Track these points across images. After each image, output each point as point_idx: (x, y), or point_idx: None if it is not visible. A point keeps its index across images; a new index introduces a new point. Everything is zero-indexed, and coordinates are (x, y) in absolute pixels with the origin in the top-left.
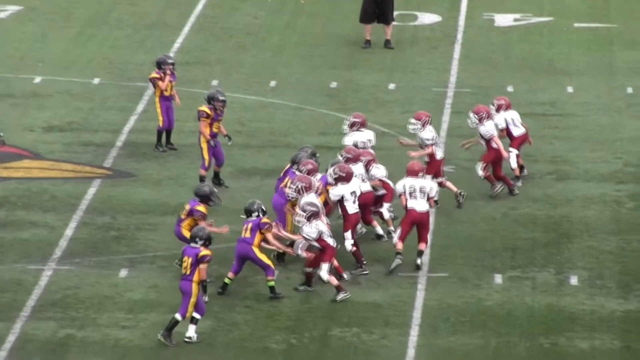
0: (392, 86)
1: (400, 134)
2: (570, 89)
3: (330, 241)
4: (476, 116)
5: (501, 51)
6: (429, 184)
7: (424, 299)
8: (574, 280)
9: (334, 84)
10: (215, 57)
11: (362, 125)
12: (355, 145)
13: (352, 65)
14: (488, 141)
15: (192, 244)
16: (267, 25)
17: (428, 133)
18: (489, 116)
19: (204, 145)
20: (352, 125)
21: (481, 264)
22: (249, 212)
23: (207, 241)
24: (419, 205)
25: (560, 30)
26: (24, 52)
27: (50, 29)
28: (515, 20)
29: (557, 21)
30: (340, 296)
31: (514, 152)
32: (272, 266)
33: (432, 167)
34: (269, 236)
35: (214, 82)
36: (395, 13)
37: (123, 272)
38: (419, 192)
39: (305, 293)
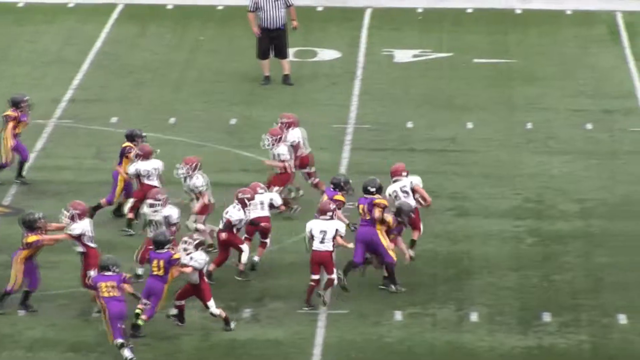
0: None
1: (298, 171)
2: (470, 125)
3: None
4: (271, 138)
5: (401, 87)
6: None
7: (324, 336)
8: (474, 317)
9: (233, 121)
10: (114, 94)
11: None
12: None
13: (251, 101)
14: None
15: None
16: (166, 62)
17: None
18: (281, 139)
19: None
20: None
21: (382, 300)
22: (160, 244)
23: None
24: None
25: (459, 65)
26: None
27: None
28: (415, 56)
29: (457, 57)
30: (233, 325)
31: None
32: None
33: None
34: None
35: (113, 120)
36: (295, 49)
37: (22, 310)
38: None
39: (205, 330)
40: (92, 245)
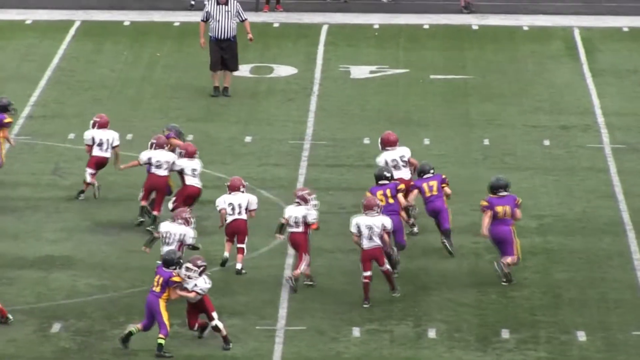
0: (248, 139)
1: (258, 187)
2: (427, 141)
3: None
4: None
5: (357, 103)
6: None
7: (282, 352)
8: (432, 333)
9: (190, 137)
10: (72, 110)
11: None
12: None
13: (208, 117)
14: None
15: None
16: (123, 78)
17: None
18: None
19: None
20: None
21: (339, 317)
22: (169, 263)
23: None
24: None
25: (416, 82)
26: None
27: None
28: (372, 72)
29: (413, 73)
30: (230, 345)
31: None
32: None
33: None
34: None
35: (71, 136)
36: (251, 65)
37: None
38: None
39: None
40: None
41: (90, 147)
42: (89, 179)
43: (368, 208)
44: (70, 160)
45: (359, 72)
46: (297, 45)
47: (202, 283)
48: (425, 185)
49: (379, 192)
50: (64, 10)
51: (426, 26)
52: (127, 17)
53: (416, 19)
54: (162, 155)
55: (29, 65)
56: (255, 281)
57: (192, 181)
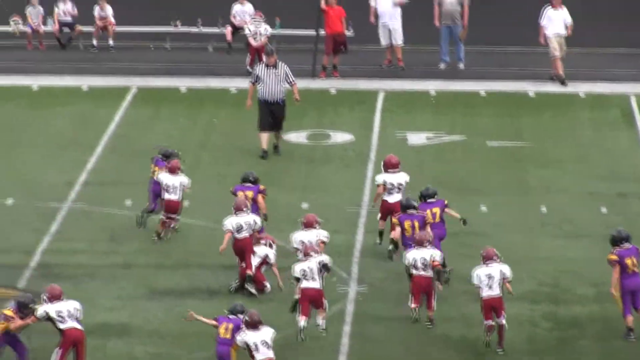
0: (305, 205)
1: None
2: (483, 208)
3: None
4: None
5: (414, 170)
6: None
7: None
8: None
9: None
10: (129, 177)
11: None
12: None
13: (265, 183)
14: None
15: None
16: (180, 144)
17: None
18: None
19: None
20: None
21: None
22: (233, 312)
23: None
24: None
25: (473, 148)
26: None
27: None
28: (428, 138)
29: (470, 139)
30: None
31: None
32: None
33: None
34: None
35: (127, 202)
36: (308, 131)
37: None
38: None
39: None
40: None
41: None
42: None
43: (488, 259)
44: (127, 228)
45: (416, 138)
46: (354, 112)
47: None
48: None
49: (407, 223)
50: (121, 77)
51: (482, 93)
52: (183, 83)
53: (473, 86)
54: (244, 219)
55: (86, 131)
56: (314, 349)
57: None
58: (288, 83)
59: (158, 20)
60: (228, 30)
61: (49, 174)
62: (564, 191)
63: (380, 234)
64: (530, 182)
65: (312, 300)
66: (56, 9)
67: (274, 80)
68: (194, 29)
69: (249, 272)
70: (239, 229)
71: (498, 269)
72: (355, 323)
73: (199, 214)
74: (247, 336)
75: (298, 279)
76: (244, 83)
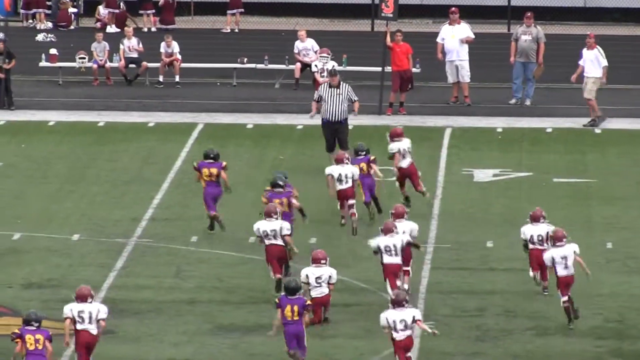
0: (370, 241)
1: (378, 289)
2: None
3: None
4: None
5: (480, 206)
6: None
7: None
8: None
9: (313, 239)
10: (194, 213)
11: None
12: None
13: (330, 220)
14: None
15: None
16: (246, 181)
17: None
18: None
19: None
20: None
21: None
22: (293, 291)
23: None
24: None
25: (539, 185)
26: (3, 208)
27: (28, 185)
28: (495, 175)
29: (536, 176)
30: None
31: None
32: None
33: None
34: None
35: (193, 239)
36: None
37: None
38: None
39: None
40: None
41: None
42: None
43: (558, 239)
44: (192, 263)
45: (482, 175)
46: (420, 148)
47: None
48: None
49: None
50: (187, 113)
51: (549, 129)
52: (249, 119)
53: (539, 122)
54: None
55: (151, 167)
56: None
57: None
58: (350, 101)
59: (224, 56)
60: (297, 66)
61: (115, 210)
62: (629, 228)
63: (407, 199)
64: (595, 218)
65: (396, 274)
66: (122, 45)
67: (337, 100)
68: (260, 65)
69: (278, 276)
70: (266, 236)
71: (571, 249)
72: (420, 359)
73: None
74: (387, 314)
75: (376, 252)
76: (309, 120)
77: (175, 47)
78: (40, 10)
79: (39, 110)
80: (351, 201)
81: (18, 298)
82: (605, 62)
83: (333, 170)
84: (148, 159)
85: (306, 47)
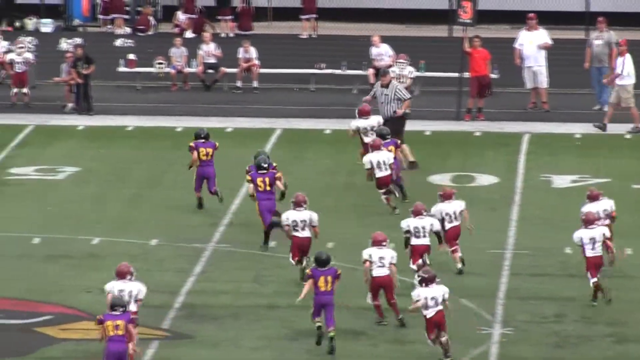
0: (448, 248)
1: (457, 295)
2: (629, 251)
3: None
4: None
5: (559, 212)
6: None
7: None
8: None
9: (392, 244)
10: None
11: None
12: None
13: None
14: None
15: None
16: (323, 187)
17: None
18: None
19: None
20: None
21: None
22: (324, 263)
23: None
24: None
25: (618, 191)
26: (82, 213)
27: (107, 190)
28: (573, 181)
29: (615, 182)
30: None
31: None
32: None
33: None
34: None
35: (272, 244)
36: (453, 174)
37: None
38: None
39: None
40: None
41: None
42: None
43: (589, 222)
44: (270, 268)
45: (561, 181)
46: (498, 154)
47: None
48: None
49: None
50: (265, 118)
51: (628, 135)
52: (327, 125)
53: (617, 128)
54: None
55: (229, 172)
56: None
57: None
58: (400, 100)
59: (302, 62)
60: (370, 72)
61: (193, 215)
62: None
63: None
64: None
65: (422, 255)
66: (200, 51)
67: (384, 100)
68: (338, 71)
69: (296, 261)
70: (295, 226)
71: (601, 231)
72: None
73: (340, 255)
74: (421, 292)
75: (408, 233)
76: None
77: (253, 52)
78: (119, 15)
79: (117, 116)
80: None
81: (96, 303)
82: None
83: (372, 158)
84: (226, 165)
85: (380, 52)
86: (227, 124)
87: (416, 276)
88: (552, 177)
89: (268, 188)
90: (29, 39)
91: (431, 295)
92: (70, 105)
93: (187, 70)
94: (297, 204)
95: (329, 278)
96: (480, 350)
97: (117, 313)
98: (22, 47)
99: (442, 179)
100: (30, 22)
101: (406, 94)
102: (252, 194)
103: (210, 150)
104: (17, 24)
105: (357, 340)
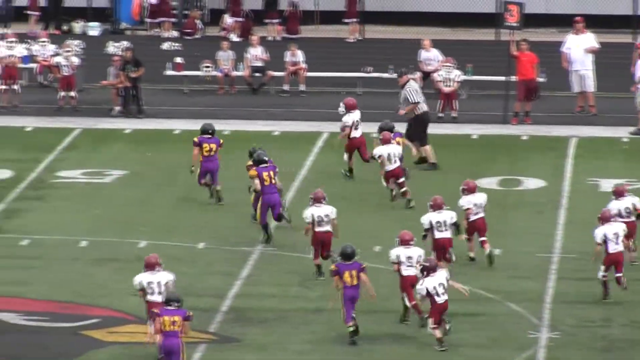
0: (497, 251)
1: (506, 299)
2: None
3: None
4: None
5: None
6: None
7: None
8: None
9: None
10: None
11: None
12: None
13: None
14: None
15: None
16: (370, 189)
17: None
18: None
19: None
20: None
21: None
22: (350, 257)
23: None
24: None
25: None
26: (129, 216)
27: (154, 193)
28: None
29: None
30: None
31: None
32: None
33: None
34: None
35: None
36: (500, 177)
37: None
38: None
39: None
40: None
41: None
42: None
43: (605, 220)
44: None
45: (608, 185)
46: (546, 158)
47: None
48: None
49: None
50: (312, 122)
51: None
52: (374, 128)
53: None
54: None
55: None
56: None
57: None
58: (408, 102)
59: (349, 65)
60: (417, 76)
61: (240, 218)
62: None
63: (350, 170)
64: None
65: (445, 249)
66: (247, 54)
67: (400, 102)
68: (385, 75)
69: (317, 262)
70: (320, 222)
71: (621, 227)
72: None
73: (385, 258)
74: (425, 283)
75: (428, 230)
76: (434, 129)
77: (300, 56)
78: (166, 19)
79: (165, 119)
80: (400, 180)
81: (143, 306)
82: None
83: (382, 150)
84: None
85: (429, 57)
86: (274, 128)
87: (418, 266)
88: (600, 180)
89: (273, 182)
90: (76, 42)
91: (438, 283)
92: (117, 108)
93: (234, 73)
94: (317, 200)
95: (354, 272)
96: (527, 354)
97: (173, 308)
98: (68, 51)
99: (489, 183)
100: (77, 26)
101: (415, 96)
102: (257, 189)
103: (213, 146)
104: (65, 27)
105: (401, 345)
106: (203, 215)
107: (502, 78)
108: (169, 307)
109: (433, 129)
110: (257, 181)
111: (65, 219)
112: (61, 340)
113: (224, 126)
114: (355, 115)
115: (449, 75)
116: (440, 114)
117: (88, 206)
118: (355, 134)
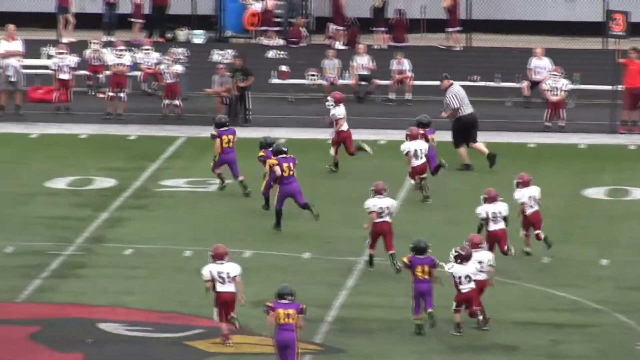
0: (604, 262)
1: (613, 310)
2: None
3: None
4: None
5: None
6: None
7: None
8: None
9: (545, 259)
10: (426, 230)
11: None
12: None
13: (562, 238)
14: None
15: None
16: (473, 199)
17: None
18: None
19: None
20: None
21: None
22: (422, 251)
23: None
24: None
25: None
26: (233, 226)
27: (258, 203)
28: None
29: None
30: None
31: None
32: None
33: None
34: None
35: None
36: (608, 187)
37: None
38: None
39: None
40: None
41: None
42: None
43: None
44: None
45: None
46: None
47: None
48: None
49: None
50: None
51: None
52: (480, 137)
53: None
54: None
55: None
56: None
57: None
58: (447, 105)
59: (455, 73)
60: (525, 84)
61: (346, 228)
62: None
63: (336, 164)
64: None
65: (501, 240)
66: (354, 63)
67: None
68: (491, 83)
69: (392, 251)
70: (380, 213)
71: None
72: None
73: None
74: (454, 269)
75: (484, 220)
76: (541, 138)
77: (406, 64)
78: (271, 27)
79: (269, 127)
80: (423, 175)
81: (247, 316)
82: None
83: (410, 146)
84: (379, 176)
85: (540, 65)
86: (380, 136)
87: (453, 252)
88: None
89: (292, 172)
90: (180, 50)
91: (465, 274)
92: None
93: (340, 82)
94: (378, 192)
95: (426, 268)
96: None
97: (287, 302)
98: (171, 59)
99: (596, 193)
100: (181, 33)
101: (455, 102)
102: (277, 175)
103: (232, 137)
104: (169, 35)
105: (511, 356)
106: (308, 225)
107: (609, 87)
108: (283, 301)
109: (539, 138)
110: (277, 168)
111: (169, 228)
112: (165, 351)
113: (328, 135)
114: (343, 108)
115: (557, 85)
116: (548, 123)
117: (192, 215)
118: (343, 127)
